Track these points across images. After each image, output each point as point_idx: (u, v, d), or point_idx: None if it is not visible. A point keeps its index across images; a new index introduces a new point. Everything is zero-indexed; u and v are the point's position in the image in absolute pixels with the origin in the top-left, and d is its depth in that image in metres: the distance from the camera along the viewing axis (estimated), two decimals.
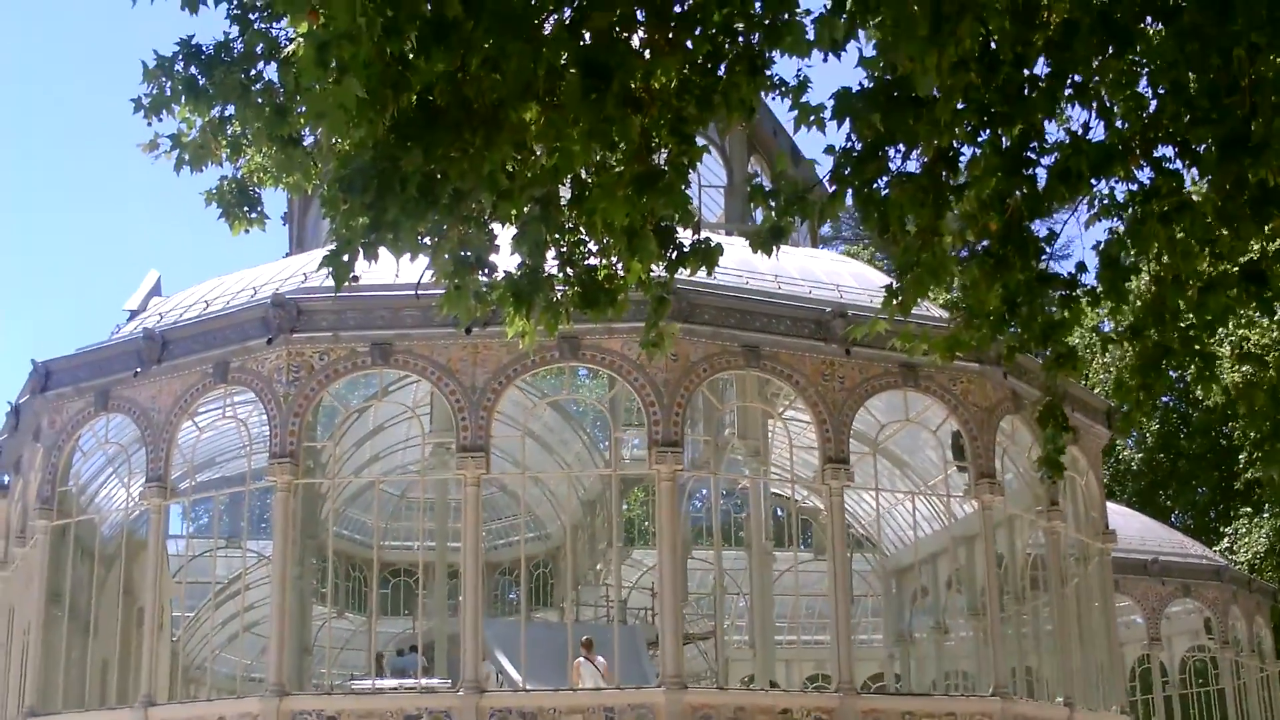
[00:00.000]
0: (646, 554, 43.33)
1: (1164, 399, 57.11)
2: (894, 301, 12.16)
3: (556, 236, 12.17)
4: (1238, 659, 44.84)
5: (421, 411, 28.30)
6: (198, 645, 39.88)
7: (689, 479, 31.78)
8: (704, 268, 12.43)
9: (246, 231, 13.31)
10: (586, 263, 12.58)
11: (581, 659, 24.92)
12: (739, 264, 26.44)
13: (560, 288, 12.44)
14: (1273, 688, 46.06)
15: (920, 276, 12.00)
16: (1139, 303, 13.22)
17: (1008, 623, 29.25)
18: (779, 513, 41.72)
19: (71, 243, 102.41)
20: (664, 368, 24.31)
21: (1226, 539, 53.12)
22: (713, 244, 12.57)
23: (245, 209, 13.00)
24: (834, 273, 28.32)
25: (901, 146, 12.00)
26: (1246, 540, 52.37)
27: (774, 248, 12.15)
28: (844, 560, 25.58)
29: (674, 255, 12.32)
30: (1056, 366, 12.98)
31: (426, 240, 10.88)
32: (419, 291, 24.36)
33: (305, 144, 12.93)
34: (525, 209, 10.42)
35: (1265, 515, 52.17)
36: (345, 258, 10.04)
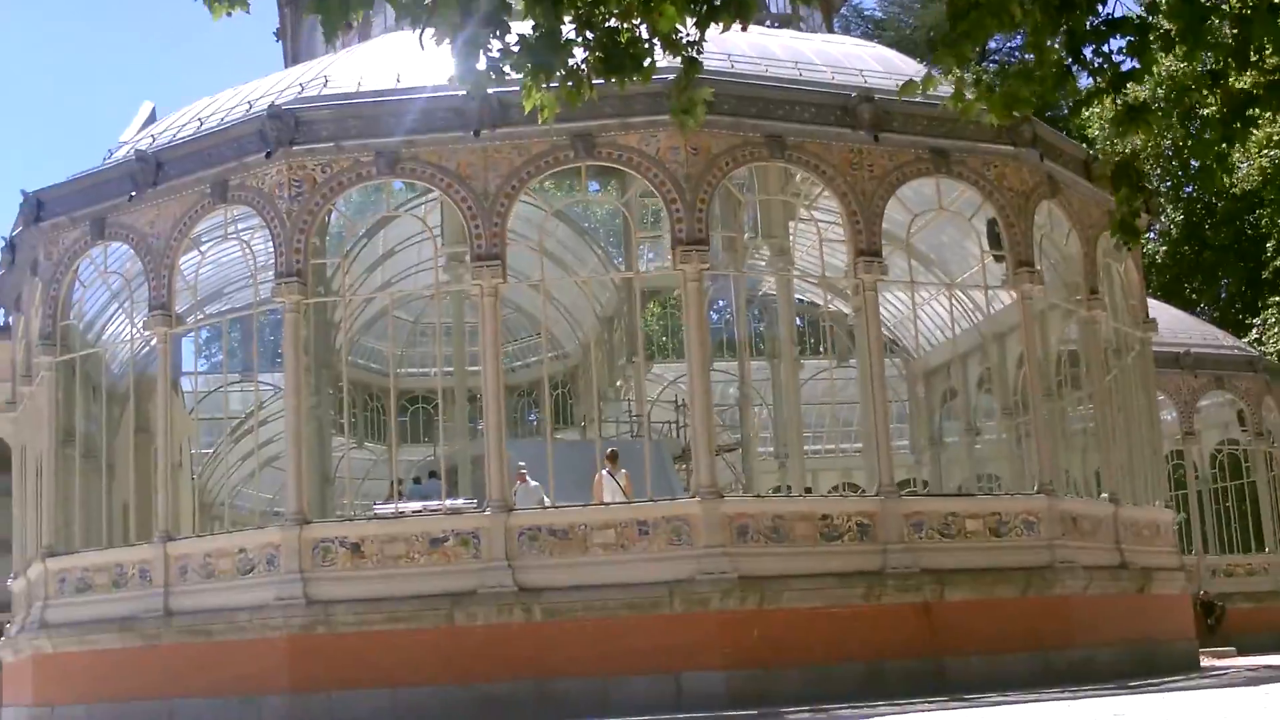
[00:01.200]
0: (666, 368, 42.74)
1: (1187, 189, 55.70)
2: (949, 54, 10.94)
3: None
4: (1270, 450, 44.06)
5: (433, 226, 27.21)
6: (218, 482, 39.36)
7: (710, 286, 30.68)
8: (738, 22, 11.24)
9: (229, 14, 12.14)
10: (607, 24, 11.41)
11: (605, 472, 24.07)
12: (755, 51, 25.29)
13: (580, 53, 11.33)
14: None
15: (980, 17, 10.81)
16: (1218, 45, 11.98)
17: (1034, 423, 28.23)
18: (799, 320, 40.62)
19: (65, 75, 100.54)
20: (684, 162, 23.17)
21: (1255, 330, 52.02)
22: None
23: None
24: (856, 56, 26.97)
25: None
26: (1276, 330, 51.27)
27: None
28: (880, 361, 24.58)
29: (704, 9, 11.11)
30: (1128, 121, 11.83)
31: None
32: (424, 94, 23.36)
33: None
34: None
35: None
36: (338, 2, 8.83)
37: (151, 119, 29.69)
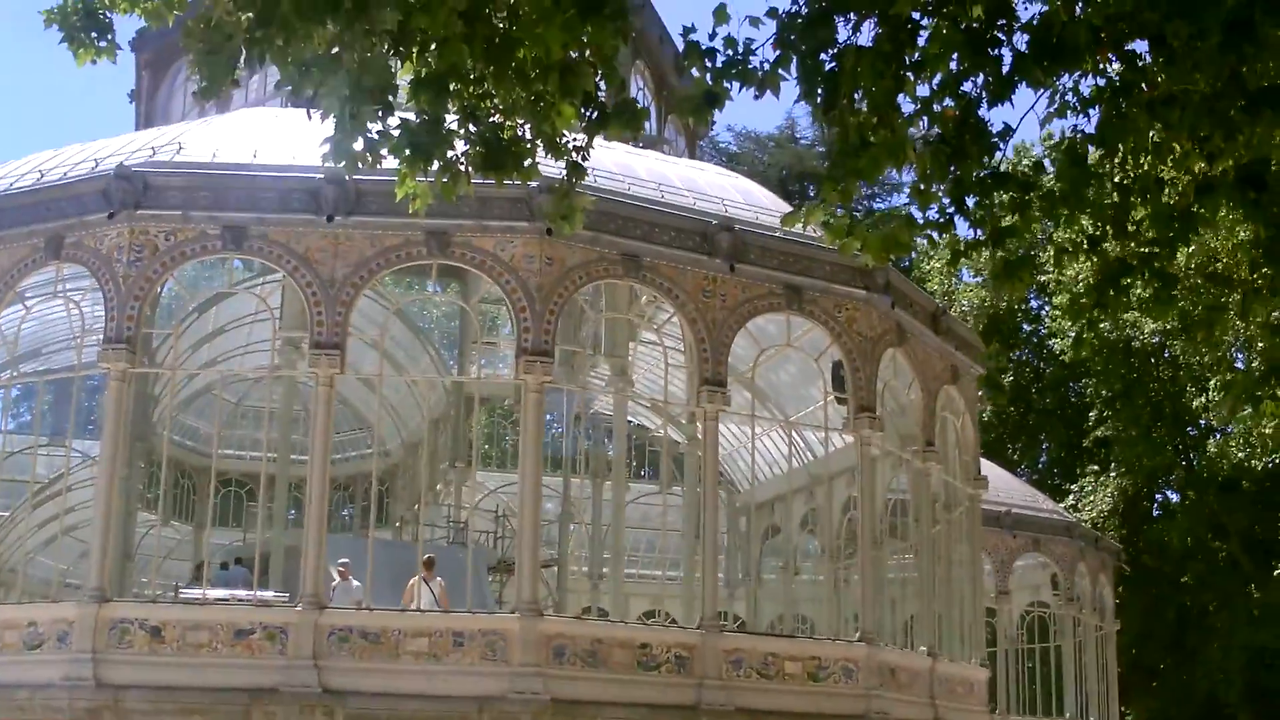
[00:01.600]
0: (488, 476, 42.16)
1: (1016, 354, 56.67)
2: (834, 189, 10.74)
3: (458, 87, 10.71)
4: (1078, 616, 44.49)
5: (273, 307, 26.46)
6: (11, 548, 37.74)
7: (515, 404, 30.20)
8: (628, 131, 10.94)
9: (94, 62, 11.77)
10: (491, 119, 11.04)
11: (420, 578, 23.37)
12: (620, 169, 25.11)
13: (461, 146, 10.96)
14: (1109, 646, 45.97)
15: (876, 155, 10.60)
16: (1101, 211, 11.93)
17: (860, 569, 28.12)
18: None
19: None
20: (538, 271, 22.82)
21: (1072, 496, 52.84)
22: (638, 106, 11.03)
23: (93, 35, 11.42)
24: (718, 185, 26.92)
25: (853, 15, 10.68)
26: (1091, 498, 52.15)
27: (708, 117, 10.70)
28: (714, 491, 24.32)
29: (595, 116, 10.79)
30: (1006, 276, 11.71)
31: (317, 57, 9.17)
32: (279, 172, 22.75)
33: None
34: (443, 26, 8.71)
35: (1111, 475, 51.97)
36: (224, 58, 8.29)
37: None
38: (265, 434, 33.32)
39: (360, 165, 10.57)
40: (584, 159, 11.13)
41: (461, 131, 10.93)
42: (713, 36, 10.44)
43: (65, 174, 24.31)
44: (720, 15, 10.32)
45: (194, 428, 39.11)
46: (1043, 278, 53.85)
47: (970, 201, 10.96)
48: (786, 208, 28.67)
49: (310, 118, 9.28)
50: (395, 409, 37.73)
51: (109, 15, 11.74)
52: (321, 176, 22.39)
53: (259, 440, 39.50)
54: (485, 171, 11.03)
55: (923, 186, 10.84)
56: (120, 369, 22.57)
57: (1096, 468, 52.95)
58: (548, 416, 41.34)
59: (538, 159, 11.18)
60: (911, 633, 28.12)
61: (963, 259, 12.15)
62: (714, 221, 24.22)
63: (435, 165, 10.85)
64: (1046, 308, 55.55)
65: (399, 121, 10.40)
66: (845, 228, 11.33)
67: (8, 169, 25.98)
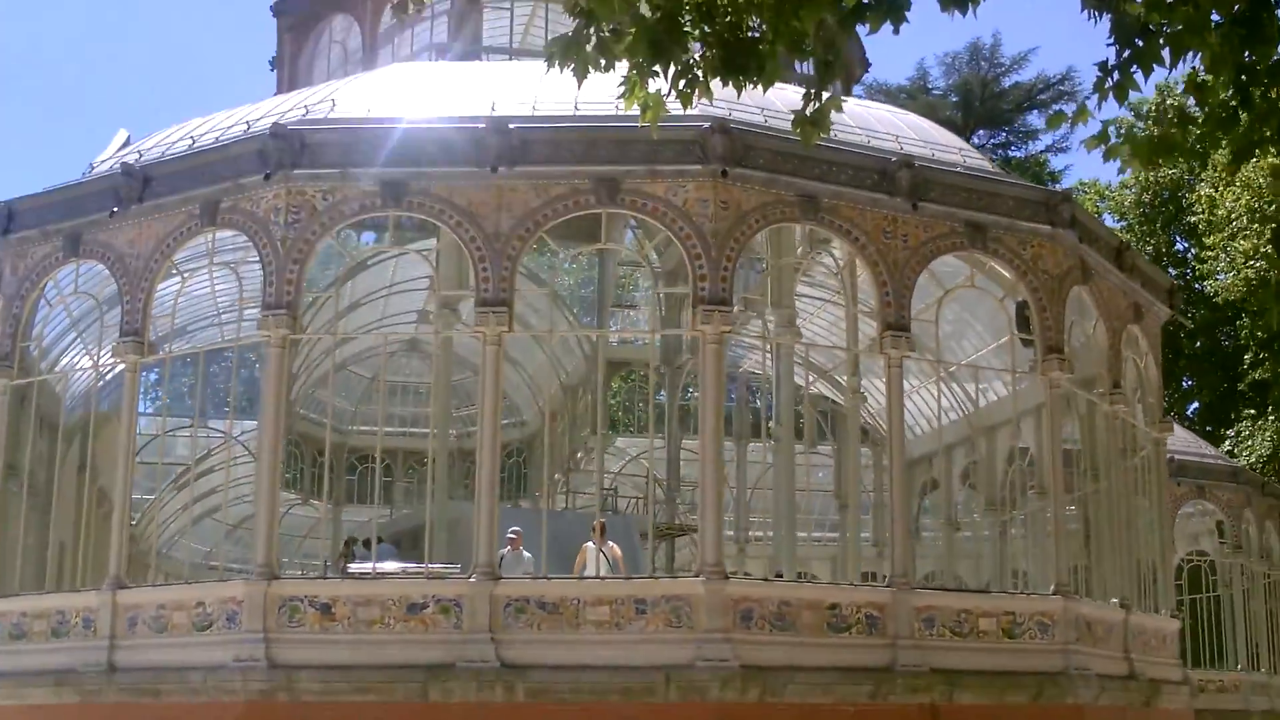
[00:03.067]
0: (631, 442, 41.27)
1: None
2: (1129, 69, 9.17)
3: None
4: (1245, 564, 42.54)
5: (422, 273, 25.45)
6: (152, 531, 37.15)
7: (688, 360, 29.09)
8: (889, 23, 9.40)
9: None
10: (728, 18, 9.64)
11: (591, 545, 22.16)
12: (789, 108, 23.43)
13: (697, 49, 9.59)
14: (1278, 594, 44.01)
15: (1177, 36, 9.02)
16: None
17: (1035, 520, 26.67)
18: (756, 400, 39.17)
19: (43, 98, 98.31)
20: (712, 216, 21.55)
21: (1228, 442, 50.65)
22: None
23: None
24: (890, 122, 25.47)
25: None
26: (1249, 444, 49.96)
27: (973, 7, 9.21)
28: (900, 443, 22.91)
29: (849, 8, 9.31)
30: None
31: None
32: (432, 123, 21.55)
33: None
34: None
35: (1270, 418, 49.74)
36: None
37: (126, 146, 27.78)
38: (402, 408, 32.56)
39: (589, 69, 9.24)
40: (836, 56, 9.63)
41: (695, 33, 9.51)
42: None
43: (218, 138, 23.43)
44: None
45: (327, 404, 38.32)
46: (1191, 218, 51.73)
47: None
48: (960, 143, 27.19)
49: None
50: (530, 378, 36.79)
51: None
52: (484, 125, 21.28)
53: (394, 415, 38.75)
54: (726, 75, 9.56)
55: (1204, 78, 9.34)
56: (281, 335, 21.58)
57: (1254, 412, 50.72)
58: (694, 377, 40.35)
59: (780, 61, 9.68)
60: (1084, 583, 26.40)
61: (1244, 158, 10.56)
62: (893, 158, 22.75)
63: (669, 70, 9.46)
64: (1194, 250, 53.42)
65: (633, 16, 9.03)
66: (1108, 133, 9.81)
67: (159, 138, 25.28)
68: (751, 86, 9.69)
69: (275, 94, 34.49)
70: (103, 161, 25.97)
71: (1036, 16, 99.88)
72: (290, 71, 33.96)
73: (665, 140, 21.20)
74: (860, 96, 58.29)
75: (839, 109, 9.88)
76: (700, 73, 9.53)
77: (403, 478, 41.99)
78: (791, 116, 23.21)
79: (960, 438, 30.26)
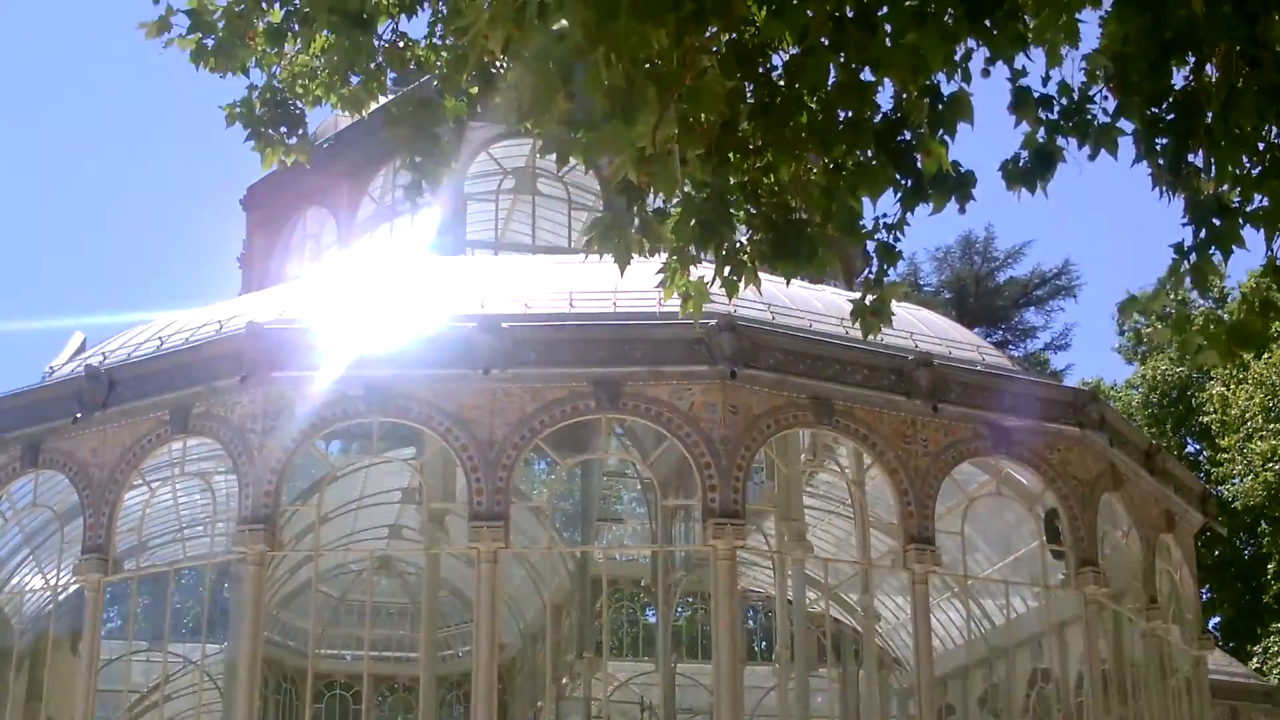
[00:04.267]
0: (619, 665, 40.12)
1: None
2: (1177, 275, 8.65)
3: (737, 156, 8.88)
4: None
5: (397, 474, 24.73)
6: None
7: (682, 576, 28.30)
8: (957, 204, 8.83)
9: (284, 162, 10.40)
10: (775, 197, 9.11)
11: None
12: (796, 303, 23.33)
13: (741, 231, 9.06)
14: None
15: (1275, 209, 8.53)
16: None
17: None
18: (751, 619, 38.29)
19: None
20: (722, 421, 20.91)
21: (1256, 659, 49.48)
22: (962, 170, 8.92)
23: (281, 129, 10.36)
24: (901, 318, 24.81)
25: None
26: (1279, 661, 48.78)
27: (1041, 185, 8.68)
28: (929, 669, 21.98)
29: (909, 185, 8.75)
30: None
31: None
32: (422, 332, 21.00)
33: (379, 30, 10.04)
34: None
35: None
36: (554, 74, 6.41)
37: (82, 350, 27.22)
38: (367, 630, 31.74)
39: (633, 255, 8.63)
40: (897, 239, 9.04)
41: (741, 214, 8.94)
42: (1045, 81, 8.42)
43: (189, 338, 22.88)
44: (1054, 57, 8.25)
45: (295, 627, 37.26)
46: (1203, 418, 51.32)
47: None
48: (977, 339, 26.77)
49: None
50: (511, 596, 35.82)
51: (299, 107, 10.25)
52: (474, 324, 20.84)
53: (364, 638, 37.66)
54: (775, 261, 8.94)
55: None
56: (259, 552, 20.75)
57: None
58: (690, 598, 39.42)
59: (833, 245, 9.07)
60: None
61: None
62: (910, 356, 22.24)
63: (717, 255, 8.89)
64: (1207, 452, 52.92)
65: (679, 197, 8.46)
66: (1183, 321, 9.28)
67: (123, 339, 24.75)
68: (802, 279, 9.13)
69: (242, 293, 34.18)
70: (60, 366, 25.34)
71: (1030, 208, 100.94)
72: (260, 269, 33.61)
73: (669, 339, 20.99)
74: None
75: (900, 297, 9.30)
76: (747, 258, 8.95)
77: (374, 706, 40.70)
78: (798, 311, 22.68)
79: (977, 658, 29.29)
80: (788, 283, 9.10)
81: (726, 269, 8.84)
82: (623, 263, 8.62)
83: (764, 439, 21.45)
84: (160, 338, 23.70)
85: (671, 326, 20.69)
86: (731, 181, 8.66)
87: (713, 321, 20.70)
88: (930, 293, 63.31)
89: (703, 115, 7.59)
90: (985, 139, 8.70)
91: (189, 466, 23.17)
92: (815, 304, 23.85)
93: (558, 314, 21.99)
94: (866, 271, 9.32)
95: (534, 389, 21.11)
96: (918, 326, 24.45)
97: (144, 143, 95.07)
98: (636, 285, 21.71)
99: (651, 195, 8.07)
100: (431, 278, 24.49)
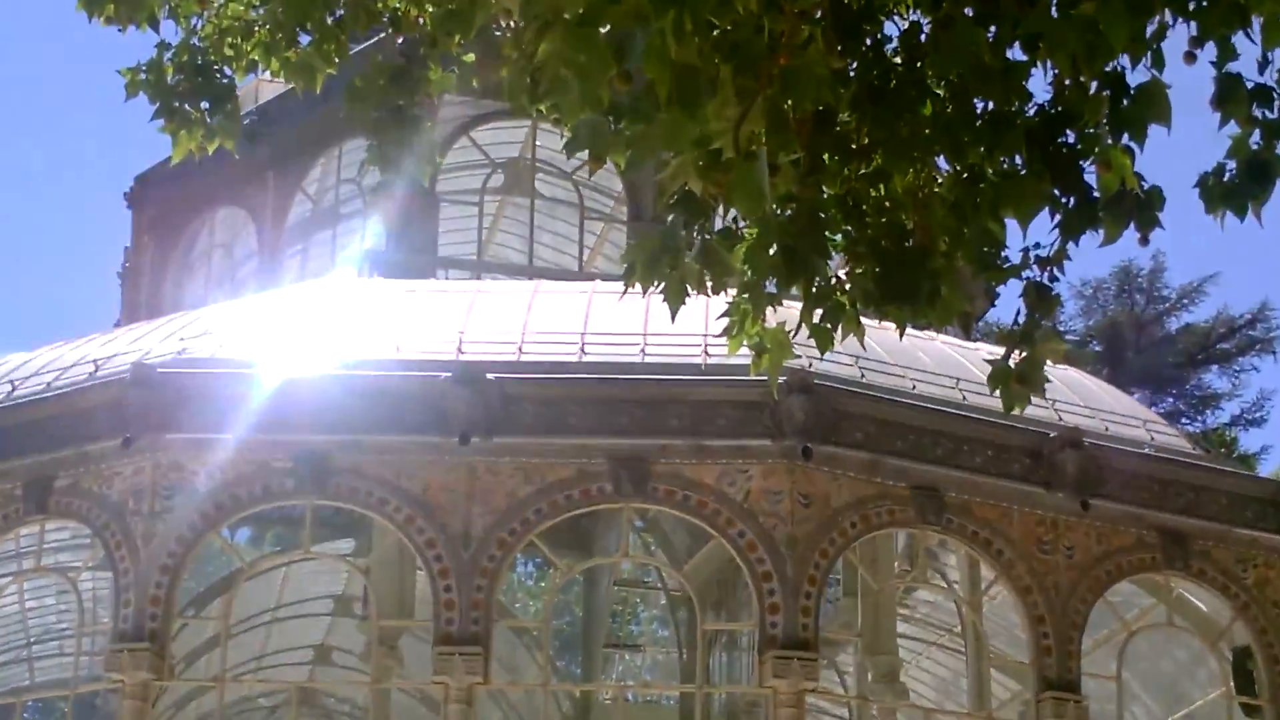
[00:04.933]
0: None
1: None
2: None
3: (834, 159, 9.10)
4: None
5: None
6: None
7: None
8: (1135, 230, 8.95)
9: (204, 150, 10.76)
10: (884, 216, 9.31)
11: None
12: (893, 356, 23.47)
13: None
14: None
15: None
16: None
17: None
18: None
19: None
20: (787, 516, 21.19)
21: None
22: (1148, 187, 9.07)
23: (202, 104, 10.54)
24: None
25: None
26: None
27: (1254, 207, 8.79)
28: None
29: (1071, 205, 8.88)
30: None
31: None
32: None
33: None
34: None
35: None
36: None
37: None
38: None
39: (689, 291, 8.76)
40: (1054, 277, 9.16)
41: (840, 239, 9.08)
42: (1263, 68, 8.57)
43: (50, 384, 23.34)
44: (1275, 35, 8.39)
45: None
46: None
47: None
48: (1143, 410, 26.99)
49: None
50: None
51: (226, 74, 10.48)
52: (449, 375, 21.16)
53: None
54: (883, 305, 9.06)
55: None
56: (141, 680, 21.04)
57: None
58: None
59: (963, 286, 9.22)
60: None
61: None
62: (1051, 433, 22.42)
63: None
64: None
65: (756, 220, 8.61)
66: None
67: None
68: (917, 326, 9.31)
69: (122, 320, 34.44)
70: None
71: (1216, 233, 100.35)
72: (150, 287, 33.87)
73: (718, 401, 21.39)
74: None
75: (1059, 358, 9.39)
76: (845, 298, 9.07)
77: None
78: (897, 367, 23.06)
79: None
80: (900, 333, 9.15)
81: (817, 312, 8.95)
82: (675, 302, 8.71)
83: (846, 541, 21.81)
84: (12, 381, 24.12)
85: (723, 385, 20.95)
86: (826, 194, 8.81)
87: (780, 380, 20.90)
88: (1074, 342, 63.24)
89: (799, 106, 7.75)
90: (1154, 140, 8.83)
91: (46, 559, 23.59)
92: (921, 358, 24.10)
93: (564, 363, 22.32)
94: (1014, 321, 9.42)
95: (529, 465, 21.49)
96: (1061, 392, 24.67)
97: None
98: (671, 326, 22.05)
99: (721, 212, 8.22)
100: (389, 308, 24.79)
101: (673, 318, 8.88)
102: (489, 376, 21.41)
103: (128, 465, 21.83)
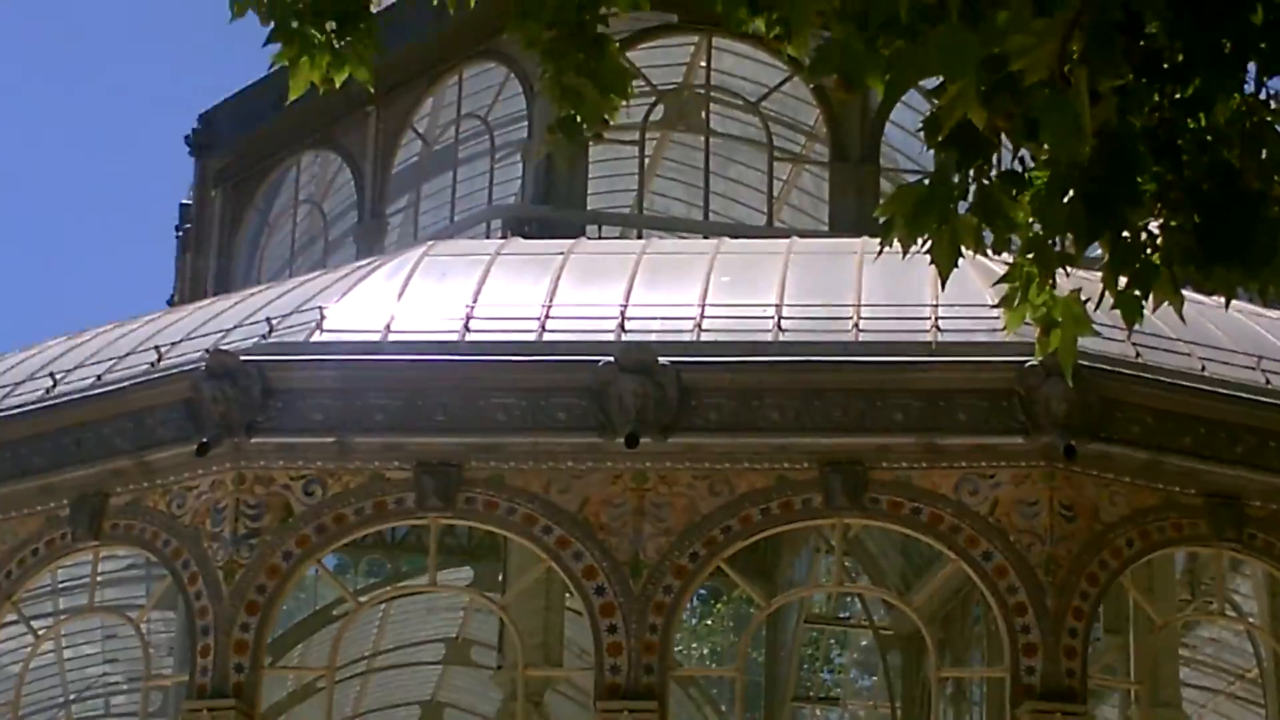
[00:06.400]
0: None
1: None
2: None
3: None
4: None
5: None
6: None
7: None
8: None
9: (330, 81, 11.15)
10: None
11: None
12: (1173, 326, 23.36)
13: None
14: None
15: None
16: None
17: None
18: None
19: None
20: (1045, 533, 21.31)
21: None
22: None
23: (328, 22, 10.55)
24: None
25: None
26: None
27: None
28: None
29: None
30: None
31: None
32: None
33: None
34: None
35: None
36: None
37: None
38: None
39: (963, 250, 8.94)
40: None
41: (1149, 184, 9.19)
42: None
43: (101, 375, 23.66)
44: None
45: None
46: None
47: None
48: None
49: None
50: None
51: None
52: (609, 360, 21.16)
53: None
54: (1206, 266, 9.17)
55: None
56: None
57: None
58: None
59: None
60: None
61: None
62: None
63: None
64: None
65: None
66: None
67: None
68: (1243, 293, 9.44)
69: (178, 298, 34.77)
70: None
71: None
72: (221, 254, 33.94)
73: (954, 390, 21.48)
74: None
75: None
76: (1156, 257, 9.17)
77: None
78: (1183, 342, 23.16)
79: None
80: (1226, 302, 9.24)
81: (1121, 279, 9.04)
82: (946, 263, 8.84)
83: (1121, 564, 21.92)
84: (52, 375, 24.49)
85: (962, 368, 21.00)
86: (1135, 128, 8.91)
87: (1030, 360, 20.88)
88: None
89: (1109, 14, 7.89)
90: None
91: (101, 594, 23.83)
92: (1212, 332, 23.97)
93: (757, 343, 22.40)
94: None
95: (714, 472, 21.70)
96: None
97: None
98: (893, 297, 22.13)
99: (1010, 153, 8.37)
100: (530, 276, 24.85)
101: (943, 283, 9.03)
102: (662, 361, 21.54)
103: (203, 478, 22.21)
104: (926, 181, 8.36)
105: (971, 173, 8.51)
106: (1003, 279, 9.08)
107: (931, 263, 8.89)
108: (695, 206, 34.04)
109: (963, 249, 8.64)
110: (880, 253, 9.13)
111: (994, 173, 8.64)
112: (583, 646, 23.36)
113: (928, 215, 8.43)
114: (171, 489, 22.35)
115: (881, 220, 8.87)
